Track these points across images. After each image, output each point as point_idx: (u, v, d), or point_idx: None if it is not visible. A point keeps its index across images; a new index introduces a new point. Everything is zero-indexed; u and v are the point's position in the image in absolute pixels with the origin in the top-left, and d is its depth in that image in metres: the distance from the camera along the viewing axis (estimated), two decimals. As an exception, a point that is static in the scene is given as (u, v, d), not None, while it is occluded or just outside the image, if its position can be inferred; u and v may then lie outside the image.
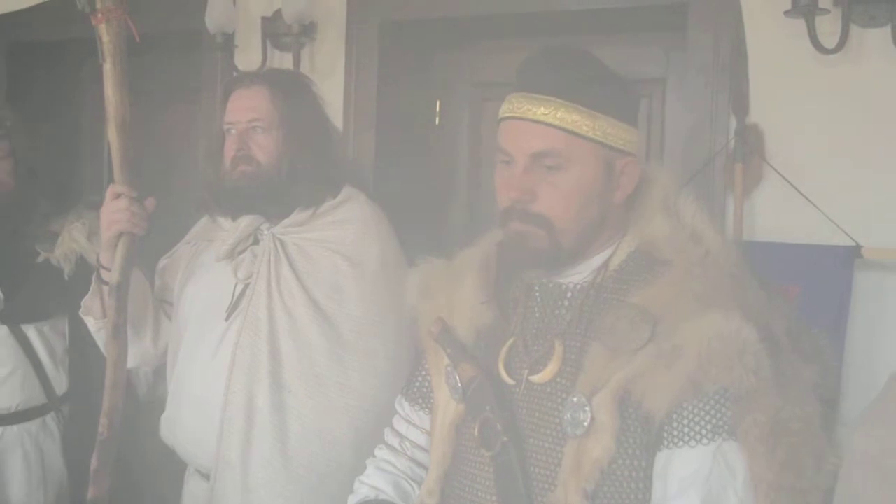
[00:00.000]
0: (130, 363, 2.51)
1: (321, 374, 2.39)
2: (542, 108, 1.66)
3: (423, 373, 1.98)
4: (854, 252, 2.59)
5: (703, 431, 1.58)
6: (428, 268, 1.99)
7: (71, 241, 2.84)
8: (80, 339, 2.82)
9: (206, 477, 2.44)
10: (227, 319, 2.45)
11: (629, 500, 1.62)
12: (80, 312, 2.58)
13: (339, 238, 2.49)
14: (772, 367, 1.58)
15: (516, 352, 1.77)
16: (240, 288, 2.47)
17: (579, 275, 1.75)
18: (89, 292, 2.52)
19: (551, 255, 1.71)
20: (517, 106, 1.70)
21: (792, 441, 1.58)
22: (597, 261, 1.75)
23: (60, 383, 2.86)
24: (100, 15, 2.27)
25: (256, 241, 2.50)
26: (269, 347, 2.40)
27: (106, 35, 2.29)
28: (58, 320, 2.87)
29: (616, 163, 1.71)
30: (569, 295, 1.75)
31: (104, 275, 2.44)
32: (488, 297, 1.82)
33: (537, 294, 1.79)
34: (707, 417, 1.58)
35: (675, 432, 1.60)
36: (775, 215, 2.77)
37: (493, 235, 1.87)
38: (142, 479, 2.88)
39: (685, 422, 1.59)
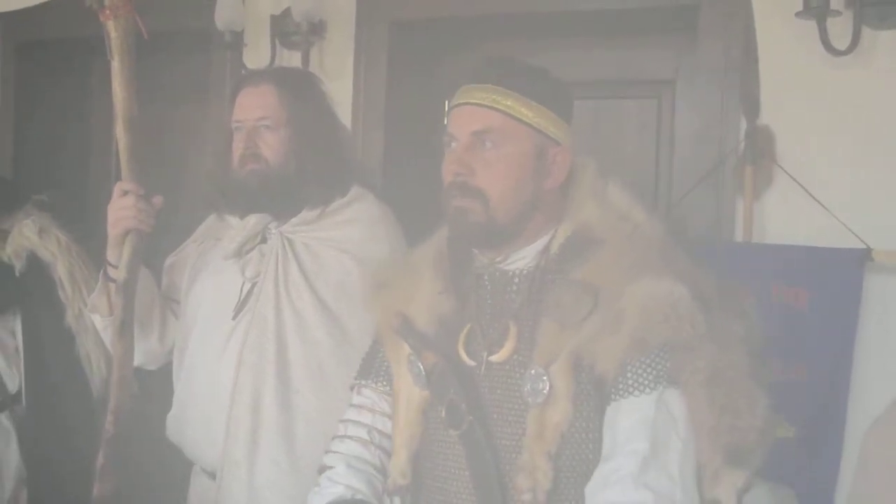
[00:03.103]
0: (136, 361, 2.51)
1: (328, 373, 2.38)
2: (482, 94, 1.84)
3: (385, 364, 2.05)
4: (864, 255, 2.58)
5: (646, 381, 1.72)
6: (382, 264, 2.20)
7: (21, 238, 2.81)
8: (33, 337, 2.81)
9: (213, 476, 2.44)
10: (234, 318, 2.44)
11: (587, 459, 1.76)
12: (87, 310, 2.57)
13: (347, 237, 2.48)
14: (705, 320, 1.73)
15: (474, 336, 1.90)
16: (247, 287, 2.46)
17: (523, 260, 1.90)
18: (96, 289, 2.51)
19: (487, 230, 1.84)
20: (462, 95, 1.88)
21: (728, 387, 1.72)
22: (538, 245, 1.89)
23: (12, 380, 2.83)
24: (108, 11, 2.26)
25: (264, 240, 2.49)
26: (276, 347, 2.39)
27: (114, 31, 2.28)
28: (8, 317, 2.84)
29: (548, 150, 1.86)
30: (516, 280, 1.89)
31: (111, 272, 2.43)
32: (445, 288, 1.95)
33: (486, 282, 1.93)
34: (648, 369, 1.73)
35: (621, 385, 1.74)
36: (785, 218, 2.76)
37: (443, 233, 2.00)
38: (147, 477, 2.86)
39: (629, 375, 1.73)
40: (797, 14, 2.66)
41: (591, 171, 1.93)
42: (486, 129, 1.83)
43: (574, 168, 1.91)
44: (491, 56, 1.95)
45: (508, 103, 1.83)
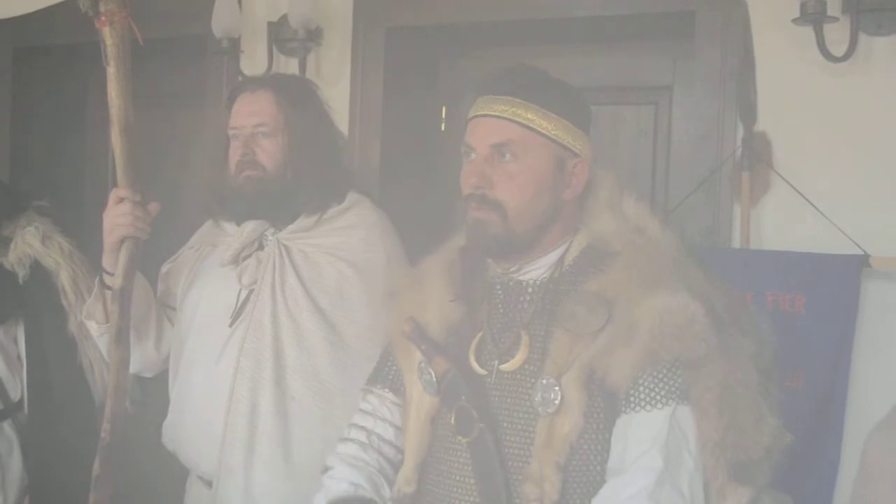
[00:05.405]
0: (133, 368, 2.50)
1: (325, 380, 2.38)
2: (502, 106, 1.85)
3: (394, 371, 2.07)
4: (862, 261, 2.58)
5: (658, 396, 1.73)
6: (392, 275, 2.24)
7: (24, 246, 2.79)
8: (36, 344, 2.78)
9: (209, 484, 2.43)
10: (230, 325, 2.44)
11: (595, 470, 1.77)
12: (83, 317, 2.56)
13: (344, 244, 2.48)
14: (717, 337, 1.74)
15: (485, 344, 1.92)
16: (244, 294, 2.46)
17: (537, 270, 1.91)
18: (92, 296, 2.50)
19: (506, 241, 1.86)
20: (481, 106, 1.89)
21: (736, 404, 1.73)
22: (552, 257, 1.91)
23: (15, 389, 2.82)
24: (103, 18, 2.25)
25: (261, 247, 2.49)
26: (273, 354, 2.39)
27: (109, 38, 2.27)
28: (10, 325, 2.81)
29: (567, 162, 1.88)
30: (529, 290, 1.90)
31: (107, 279, 2.43)
32: (456, 296, 1.96)
33: (499, 292, 1.94)
34: (661, 384, 1.73)
35: (633, 399, 1.74)
36: (782, 224, 2.76)
37: (454, 242, 2.03)
38: (144, 485, 2.86)
39: (641, 389, 1.74)
40: (794, 20, 2.66)
41: (608, 183, 1.94)
42: (506, 142, 1.84)
43: (591, 179, 1.92)
44: (510, 65, 1.94)
45: (529, 116, 1.84)
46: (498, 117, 1.85)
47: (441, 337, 1.95)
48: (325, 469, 2.04)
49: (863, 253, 2.59)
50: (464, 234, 1.96)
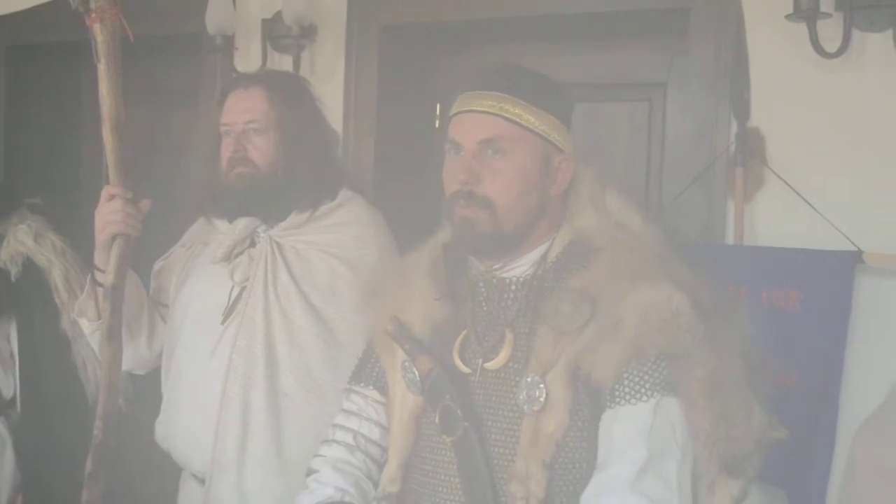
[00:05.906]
0: (125, 366, 2.50)
1: (317, 377, 2.38)
2: (489, 101, 1.83)
3: (378, 369, 2.06)
4: (855, 257, 2.58)
5: (643, 389, 1.72)
6: (374, 272, 2.22)
7: (17, 243, 2.80)
8: (29, 342, 2.80)
9: (202, 481, 2.43)
10: (223, 323, 2.44)
11: (580, 468, 1.76)
12: (75, 314, 2.56)
13: (336, 241, 2.48)
14: (704, 328, 1.73)
15: (469, 343, 1.90)
16: (236, 291, 2.45)
17: (521, 268, 1.89)
18: (83, 294, 2.50)
19: (494, 238, 1.84)
20: (467, 102, 1.87)
21: (726, 396, 1.72)
22: (535, 254, 1.89)
23: (8, 386, 2.82)
24: (94, 14, 2.25)
25: (253, 244, 2.49)
26: (265, 351, 2.39)
27: (100, 35, 2.27)
28: (3, 323, 2.82)
29: (553, 158, 1.87)
30: (513, 288, 1.89)
31: (98, 276, 2.42)
32: (441, 294, 1.94)
33: (483, 289, 1.92)
34: (646, 377, 1.72)
35: (618, 393, 1.73)
36: (776, 220, 2.76)
37: (438, 239, 2.00)
38: (137, 483, 2.86)
39: (626, 383, 1.72)
40: (787, 16, 2.66)
41: (590, 179, 1.92)
42: (494, 137, 1.82)
43: (573, 175, 1.91)
44: (495, 62, 1.94)
45: (516, 111, 1.82)
46: (485, 113, 1.83)
47: (425, 335, 1.93)
48: (310, 472, 2.03)
49: (856, 249, 2.58)
50: (445, 230, 1.94)
